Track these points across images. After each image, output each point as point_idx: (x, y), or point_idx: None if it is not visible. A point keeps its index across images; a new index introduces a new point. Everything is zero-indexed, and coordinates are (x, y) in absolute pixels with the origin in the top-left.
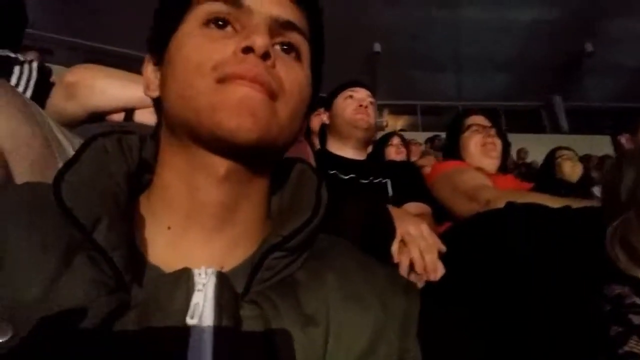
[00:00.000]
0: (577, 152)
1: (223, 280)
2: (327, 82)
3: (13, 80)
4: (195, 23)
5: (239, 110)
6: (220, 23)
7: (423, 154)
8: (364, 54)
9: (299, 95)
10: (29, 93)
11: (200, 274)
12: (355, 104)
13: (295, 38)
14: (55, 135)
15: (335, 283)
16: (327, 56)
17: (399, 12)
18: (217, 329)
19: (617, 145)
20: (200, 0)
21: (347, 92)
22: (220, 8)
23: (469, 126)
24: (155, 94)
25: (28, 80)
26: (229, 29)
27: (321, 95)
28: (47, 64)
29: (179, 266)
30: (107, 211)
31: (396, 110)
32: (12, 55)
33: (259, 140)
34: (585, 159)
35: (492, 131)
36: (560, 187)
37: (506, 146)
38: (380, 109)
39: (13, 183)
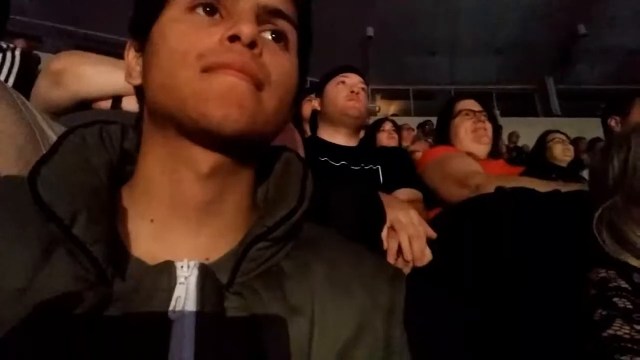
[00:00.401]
0: (568, 135)
1: (205, 273)
2: (320, 67)
3: None
4: (180, 8)
5: (225, 100)
6: (207, 9)
7: (415, 139)
8: (357, 38)
9: (285, 85)
10: (10, 80)
11: (182, 267)
12: (346, 90)
13: (283, 25)
14: (40, 125)
15: (322, 272)
16: (320, 40)
17: None
18: (199, 322)
19: (606, 128)
20: None
21: (339, 78)
22: None
23: (460, 111)
24: (137, 81)
25: (10, 68)
26: (216, 15)
27: (313, 80)
28: (35, 52)
29: (163, 259)
30: (86, 204)
31: (389, 95)
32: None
33: (245, 131)
34: (576, 142)
35: (483, 116)
36: (550, 170)
37: (497, 130)
38: (372, 93)
39: None
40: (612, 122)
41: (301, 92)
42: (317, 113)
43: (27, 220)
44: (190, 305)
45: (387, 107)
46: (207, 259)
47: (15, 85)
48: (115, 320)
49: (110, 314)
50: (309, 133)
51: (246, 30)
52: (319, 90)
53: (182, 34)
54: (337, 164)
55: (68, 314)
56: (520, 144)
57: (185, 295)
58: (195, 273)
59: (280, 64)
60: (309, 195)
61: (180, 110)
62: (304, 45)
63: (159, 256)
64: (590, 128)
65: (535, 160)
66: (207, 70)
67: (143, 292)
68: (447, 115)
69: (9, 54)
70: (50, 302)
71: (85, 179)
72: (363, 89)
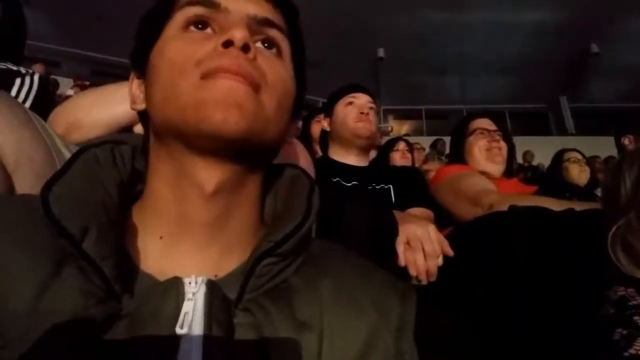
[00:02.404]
0: (584, 153)
1: (213, 289)
2: (331, 87)
3: (13, 92)
4: (175, 28)
5: (224, 103)
6: (199, 26)
7: (427, 158)
8: (368, 60)
9: (282, 88)
10: (28, 104)
11: (190, 283)
12: (356, 111)
13: (274, 34)
14: (58, 147)
15: (330, 288)
16: (331, 63)
17: (403, 17)
18: (207, 338)
19: (619, 146)
20: (178, 6)
21: (348, 99)
22: (198, 11)
23: (474, 130)
24: (142, 106)
25: (28, 92)
26: (208, 30)
27: (321, 100)
28: (54, 76)
29: (171, 275)
30: (96, 221)
31: (401, 115)
32: (14, 67)
33: (246, 132)
34: (591, 161)
35: (497, 135)
36: (565, 189)
37: (512, 149)
38: (384, 114)
39: (5, 195)
40: (626, 141)
41: (301, 102)
42: (326, 133)
43: (37, 237)
44: (198, 322)
45: (399, 127)
46: (215, 275)
47: (32, 109)
48: (124, 337)
49: (119, 329)
50: (319, 153)
51: (238, 34)
52: (327, 110)
53: (179, 48)
54: (349, 184)
55: (76, 331)
56: (534, 162)
57: (192, 311)
58: (202, 289)
59: (275, 68)
60: (316, 211)
61: (182, 119)
62: (296, 54)
63: (168, 272)
64: (605, 146)
65: (550, 179)
66: (205, 76)
67: (151, 308)
68: (461, 134)
69: (27, 79)
70: (58, 319)
71: (96, 197)
72: (372, 108)
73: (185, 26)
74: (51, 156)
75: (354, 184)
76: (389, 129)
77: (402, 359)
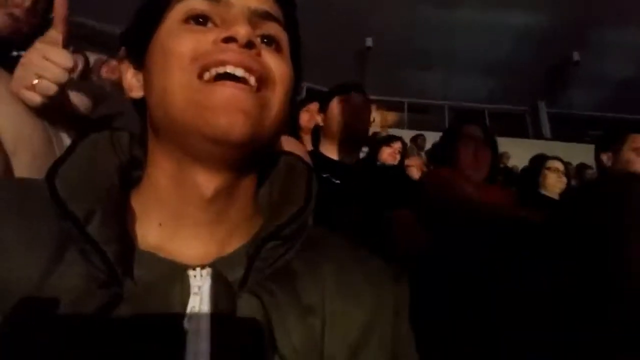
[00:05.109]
0: (564, 161)
1: (218, 279)
2: (319, 75)
3: None
4: (175, 20)
5: (228, 108)
6: (200, 20)
7: (408, 153)
8: (356, 48)
9: (287, 85)
10: None
11: (195, 276)
12: (350, 109)
13: (274, 29)
14: (56, 130)
15: (331, 273)
16: (319, 49)
17: (392, 8)
18: (214, 333)
19: (599, 162)
20: None
21: (343, 96)
22: (198, 5)
23: (464, 135)
24: (139, 93)
25: None
26: (209, 24)
27: (311, 86)
28: None
29: (172, 260)
30: (101, 205)
31: (384, 107)
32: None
33: (252, 137)
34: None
35: (485, 143)
36: (542, 204)
37: (495, 156)
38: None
39: (5, 178)
40: (604, 158)
41: (296, 96)
42: (319, 128)
43: (40, 220)
44: (205, 316)
45: (383, 118)
46: (220, 258)
47: None
48: (126, 320)
49: (121, 313)
50: (305, 143)
51: (242, 31)
52: (322, 105)
53: (178, 39)
54: (338, 182)
55: (78, 314)
56: (509, 164)
57: (199, 306)
58: (208, 282)
59: (279, 65)
60: (315, 196)
61: (182, 119)
62: (294, 48)
63: (168, 256)
64: (580, 153)
65: (526, 185)
66: (202, 73)
67: (156, 299)
68: (451, 137)
69: None
70: (61, 302)
71: (99, 181)
72: (367, 107)
73: (186, 19)
74: (49, 138)
75: (343, 181)
76: (372, 119)
77: (400, 340)
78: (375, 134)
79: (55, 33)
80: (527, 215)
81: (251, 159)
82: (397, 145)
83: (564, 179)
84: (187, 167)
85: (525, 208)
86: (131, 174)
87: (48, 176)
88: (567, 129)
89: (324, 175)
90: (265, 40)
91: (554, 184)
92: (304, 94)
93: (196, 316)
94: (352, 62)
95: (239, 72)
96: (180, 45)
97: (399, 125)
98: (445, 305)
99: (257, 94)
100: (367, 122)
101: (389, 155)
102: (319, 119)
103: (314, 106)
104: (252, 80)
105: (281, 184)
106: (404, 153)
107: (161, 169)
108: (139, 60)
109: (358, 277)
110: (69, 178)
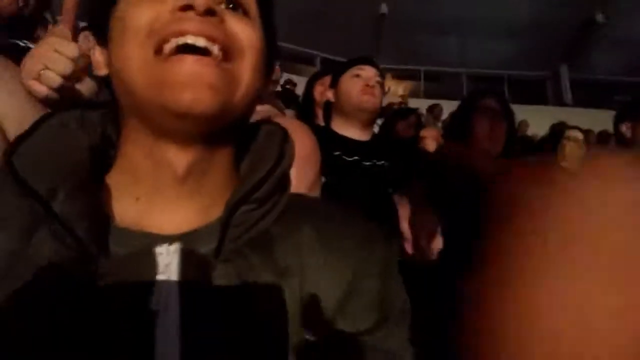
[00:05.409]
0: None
1: (187, 255)
2: (330, 41)
3: None
4: None
5: (190, 84)
6: None
7: (424, 124)
8: (370, 15)
9: (257, 53)
10: None
11: (161, 254)
12: (361, 83)
13: None
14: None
15: (310, 231)
16: (334, 17)
17: None
18: (183, 310)
19: (618, 133)
20: None
21: (354, 70)
22: None
23: (479, 108)
24: (104, 71)
25: None
26: None
27: (326, 56)
28: None
29: (149, 233)
30: (65, 181)
31: (399, 75)
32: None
33: (220, 111)
34: (585, 135)
35: (500, 115)
36: None
37: (512, 128)
38: (383, 72)
39: None
40: (624, 128)
41: (272, 61)
42: (330, 104)
43: (7, 203)
44: (174, 294)
45: (397, 88)
46: (195, 230)
47: None
48: (98, 300)
49: (95, 293)
50: (320, 117)
51: None
52: (333, 81)
53: (135, 10)
54: (350, 159)
55: (50, 294)
56: (529, 132)
57: (167, 284)
58: (176, 260)
59: (247, 30)
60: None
61: (143, 97)
62: (265, 12)
63: (146, 230)
64: (602, 120)
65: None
66: (161, 46)
67: (126, 277)
68: (467, 111)
69: None
70: (31, 281)
71: (63, 158)
72: (379, 82)
73: None
74: None
75: (355, 159)
76: (386, 89)
77: (389, 299)
78: (390, 104)
79: (65, 28)
80: None
81: (223, 132)
82: (412, 118)
83: (583, 149)
84: (158, 143)
85: None
86: (107, 152)
87: (7, 154)
88: (590, 95)
89: (336, 153)
90: (231, 5)
91: (571, 153)
92: (318, 65)
93: (165, 295)
94: (366, 31)
95: (201, 41)
96: (136, 17)
97: (414, 94)
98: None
99: (222, 66)
100: (379, 98)
101: (404, 128)
102: (329, 94)
103: (329, 79)
104: (215, 49)
105: (258, 150)
106: (420, 124)
107: (134, 145)
108: (103, 36)
109: (341, 234)
110: (28, 155)
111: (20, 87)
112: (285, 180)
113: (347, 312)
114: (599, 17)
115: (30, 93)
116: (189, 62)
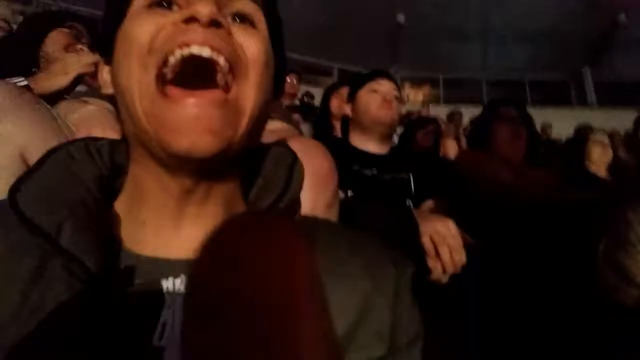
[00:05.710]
0: (604, 127)
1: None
2: (351, 53)
3: None
4: (139, 6)
5: (191, 129)
6: (164, 4)
7: (445, 133)
8: (387, 25)
9: (264, 67)
10: None
11: (167, 287)
12: (379, 98)
13: (247, 6)
14: (71, 128)
15: (319, 260)
16: (351, 28)
17: None
18: (187, 349)
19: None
20: None
21: (372, 85)
22: None
23: (499, 117)
24: (111, 90)
25: None
26: (174, 7)
27: (344, 68)
28: None
29: (157, 258)
30: (72, 215)
31: (418, 83)
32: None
33: (221, 151)
34: (610, 137)
35: (519, 122)
36: (589, 185)
37: (533, 134)
38: (401, 81)
39: None
40: None
41: (282, 77)
42: (348, 119)
43: (16, 240)
44: (178, 330)
45: (415, 96)
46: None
47: None
48: (108, 334)
49: (104, 325)
50: (337, 129)
51: (203, 10)
52: (350, 95)
53: (138, 24)
54: (369, 174)
55: (64, 326)
56: (553, 135)
57: (172, 319)
58: (182, 291)
59: (252, 42)
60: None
61: (142, 130)
62: (273, 29)
63: (156, 255)
64: (626, 120)
65: (571, 164)
66: (165, 62)
67: (133, 312)
68: (486, 120)
69: None
70: (45, 318)
71: (70, 192)
72: (396, 96)
73: (149, 4)
74: (65, 139)
75: (374, 173)
76: (405, 98)
77: (400, 327)
78: (409, 113)
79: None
80: (566, 198)
81: (225, 164)
82: (431, 127)
83: (610, 152)
84: (161, 168)
85: (566, 191)
86: (116, 179)
87: (10, 194)
88: (613, 96)
89: (354, 168)
90: (237, 18)
91: (599, 158)
92: (336, 76)
93: (169, 330)
94: (383, 41)
95: (206, 51)
96: (138, 32)
97: (434, 101)
98: (475, 302)
99: (227, 97)
100: (397, 111)
101: (423, 138)
102: (347, 109)
103: (345, 91)
104: (221, 60)
105: (265, 174)
106: (439, 132)
107: (140, 166)
108: (110, 55)
109: (349, 260)
110: (32, 193)
111: (41, 117)
112: (294, 205)
113: (357, 341)
114: (621, 18)
115: (50, 123)
116: (189, 106)
